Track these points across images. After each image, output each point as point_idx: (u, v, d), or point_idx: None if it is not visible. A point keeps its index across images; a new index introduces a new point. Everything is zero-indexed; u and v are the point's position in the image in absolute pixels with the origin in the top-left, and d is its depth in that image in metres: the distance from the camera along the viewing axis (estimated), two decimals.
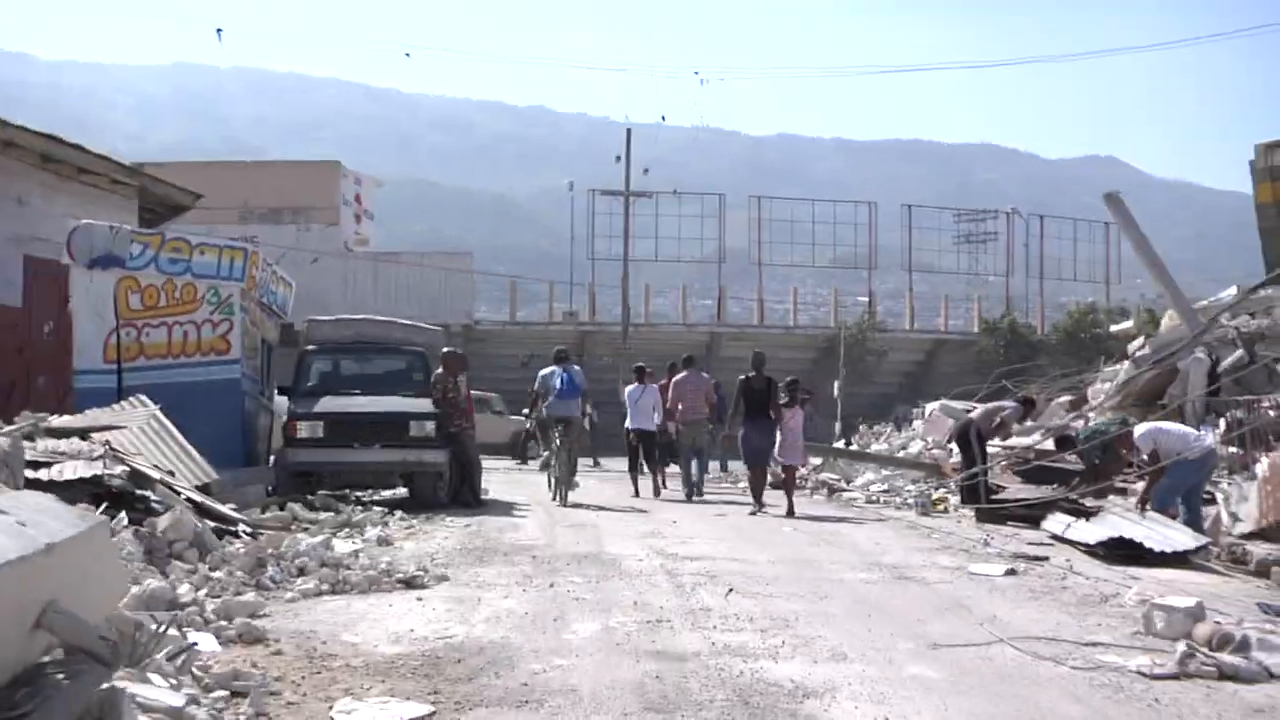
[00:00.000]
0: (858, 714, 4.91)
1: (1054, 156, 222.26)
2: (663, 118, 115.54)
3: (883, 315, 47.72)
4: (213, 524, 9.78)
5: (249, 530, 10.06)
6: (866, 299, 47.70)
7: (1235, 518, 12.51)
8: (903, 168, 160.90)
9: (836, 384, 34.16)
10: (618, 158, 40.40)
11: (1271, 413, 15.01)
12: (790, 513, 13.98)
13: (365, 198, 47.65)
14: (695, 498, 16.40)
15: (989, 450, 14.69)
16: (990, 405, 15.04)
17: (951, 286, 52.68)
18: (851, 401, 36.00)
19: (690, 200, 50.51)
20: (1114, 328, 37.35)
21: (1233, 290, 22.79)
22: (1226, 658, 5.76)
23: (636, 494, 16.69)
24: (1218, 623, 6.48)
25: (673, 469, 17.82)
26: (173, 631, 5.09)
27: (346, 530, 11.23)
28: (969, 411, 21.96)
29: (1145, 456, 11.23)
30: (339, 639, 6.23)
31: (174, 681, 4.55)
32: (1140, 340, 25.09)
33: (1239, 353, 18.69)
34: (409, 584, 8.10)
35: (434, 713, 4.83)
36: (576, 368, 16.08)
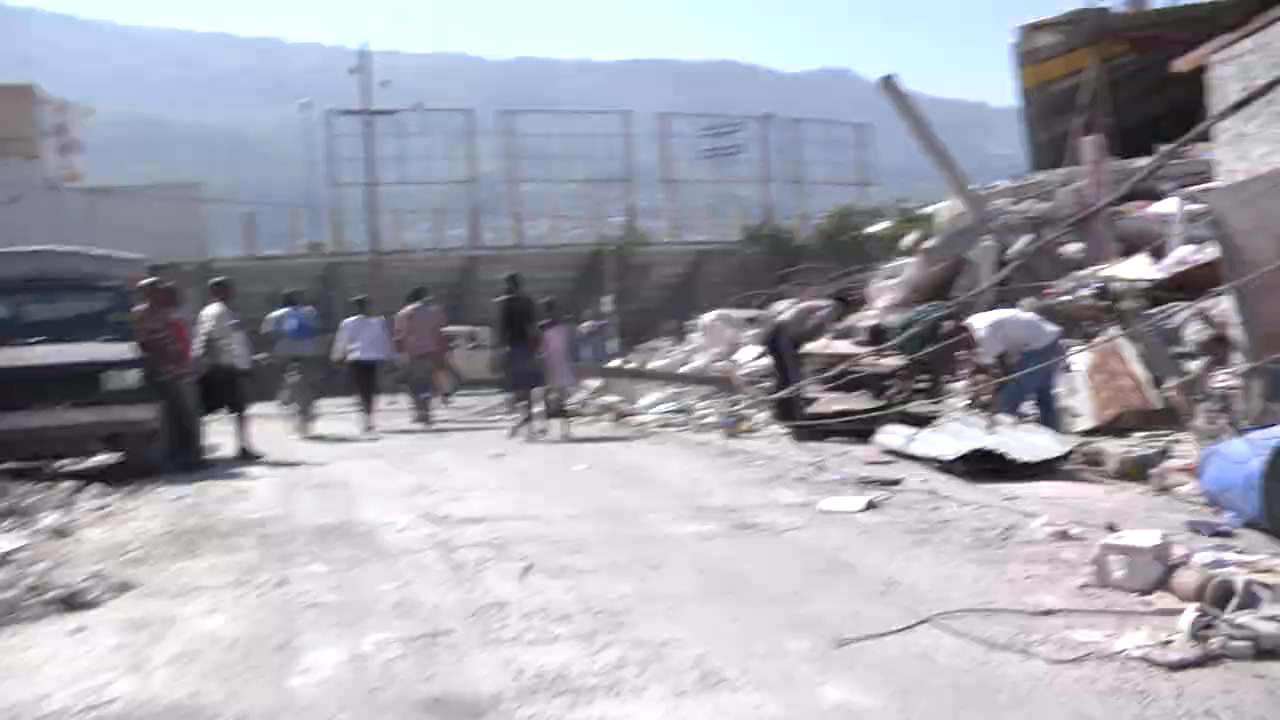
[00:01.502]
0: None
1: (791, 71, 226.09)
2: (399, 19, 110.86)
3: (642, 231, 46.30)
4: None
5: None
6: (624, 215, 46.21)
7: (1070, 413, 11.30)
8: (648, 87, 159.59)
9: (608, 300, 32.38)
10: (351, 70, 37.12)
11: (1067, 299, 13.96)
12: (567, 437, 13.54)
13: (73, 128, 42.54)
14: (427, 425, 16.20)
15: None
16: (802, 305, 13.38)
17: (708, 199, 51.72)
18: (618, 319, 34.38)
19: (436, 124, 47.88)
20: (870, 229, 37.02)
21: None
22: (1259, 624, 4.05)
23: (368, 427, 15.96)
24: (1208, 570, 4.81)
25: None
26: None
27: (12, 519, 8.53)
28: (757, 317, 20.54)
29: (993, 358, 9.73)
30: None
31: None
32: (915, 235, 24.31)
33: (1028, 237, 17.78)
34: (70, 603, 5.62)
35: None
36: (307, 308, 16.09)
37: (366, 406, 16.38)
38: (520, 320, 14.12)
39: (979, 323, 9.96)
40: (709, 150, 54.44)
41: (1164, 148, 20.42)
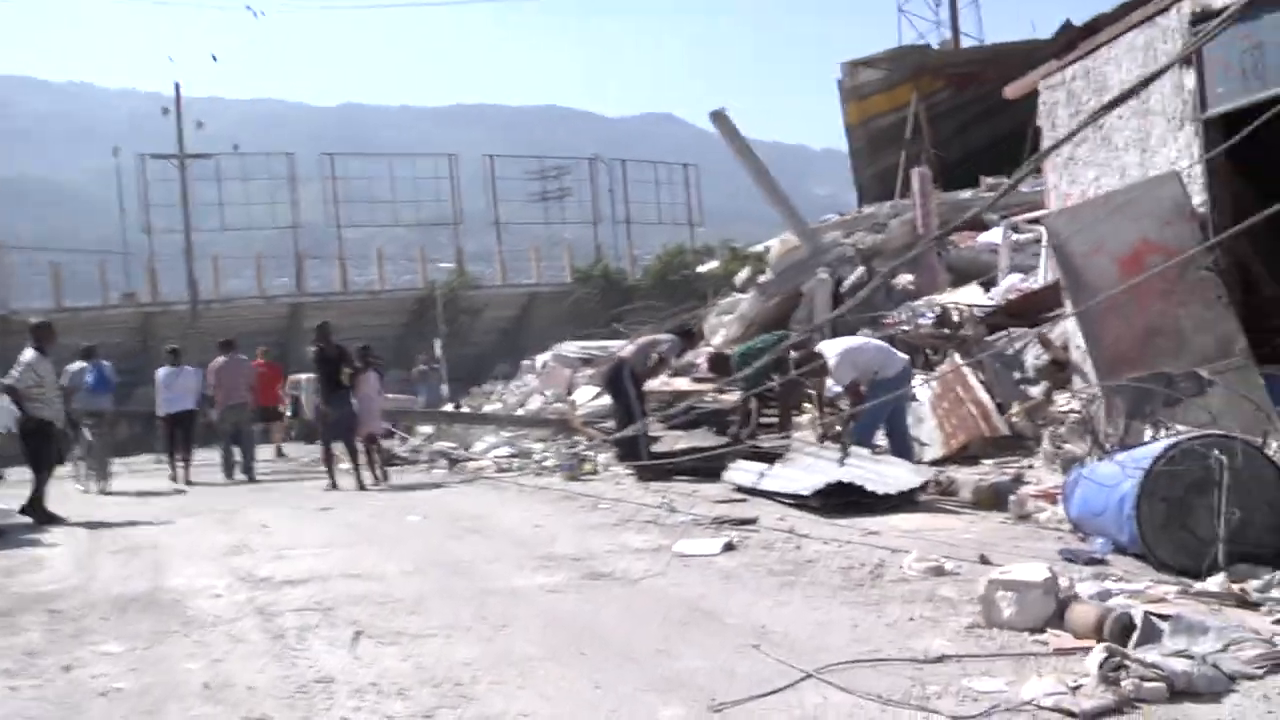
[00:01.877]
0: None
1: (616, 115, 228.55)
2: (214, 57, 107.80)
3: (472, 275, 45.57)
4: None
5: None
6: (454, 259, 45.42)
7: (918, 443, 11.13)
8: (473, 132, 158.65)
9: (438, 343, 31.49)
10: (164, 110, 35.47)
11: (906, 329, 13.93)
12: (386, 478, 13.54)
13: None
14: (249, 480, 15.48)
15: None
16: (643, 340, 12.91)
17: (537, 241, 51.22)
18: (450, 363, 33.53)
19: (257, 169, 46.23)
20: (701, 268, 37.18)
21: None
22: (1171, 663, 3.70)
23: (173, 478, 15.65)
24: (1101, 601, 4.48)
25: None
26: None
27: None
28: (589, 357, 20.11)
29: (842, 387, 9.44)
30: None
31: None
32: (747, 271, 24.34)
33: (860, 270, 17.84)
34: None
35: None
36: (106, 363, 15.67)
37: (181, 460, 15.74)
38: (331, 369, 13.81)
39: (829, 350, 9.64)
40: (537, 193, 54.21)
41: (991, 178, 20.94)
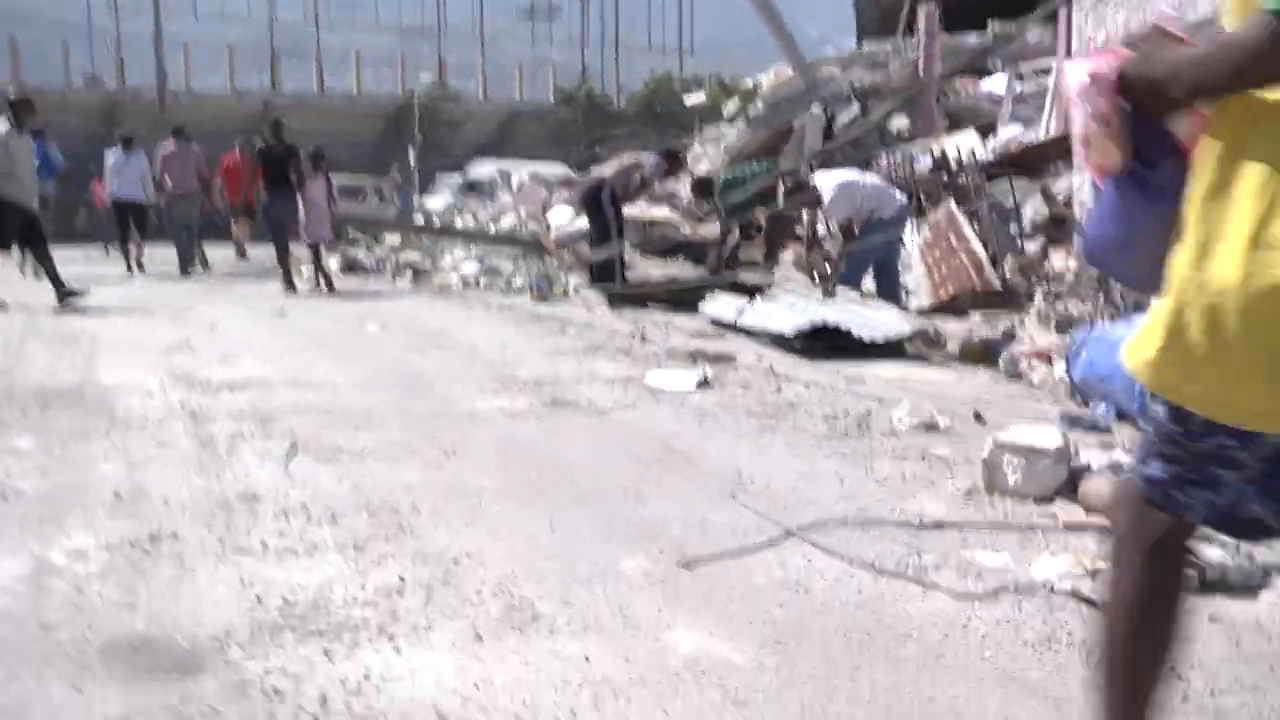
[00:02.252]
0: None
1: None
2: None
3: (453, 88, 44.18)
4: None
5: None
6: (435, 71, 44.01)
7: (905, 291, 10.65)
8: None
9: (412, 152, 30.60)
10: None
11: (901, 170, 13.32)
12: (330, 289, 12.82)
13: None
14: (192, 270, 15.42)
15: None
16: (626, 161, 12.23)
17: (523, 60, 49.70)
18: (427, 176, 32.66)
19: None
20: (687, 99, 36.19)
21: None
22: (1204, 550, 3.27)
23: (129, 270, 15.37)
24: (1113, 474, 4.03)
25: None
26: None
27: None
28: (567, 177, 19.45)
29: (837, 224, 8.88)
30: None
31: None
32: (736, 103, 23.56)
33: (855, 109, 17.11)
34: None
35: None
36: (52, 145, 15.05)
37: (128, 250, 15.41)
38: (278, 168, 13.09)
39: (825, 182, 9.05)
40: (526, 9, 52.58)
41: (999, 22, 20.03)
